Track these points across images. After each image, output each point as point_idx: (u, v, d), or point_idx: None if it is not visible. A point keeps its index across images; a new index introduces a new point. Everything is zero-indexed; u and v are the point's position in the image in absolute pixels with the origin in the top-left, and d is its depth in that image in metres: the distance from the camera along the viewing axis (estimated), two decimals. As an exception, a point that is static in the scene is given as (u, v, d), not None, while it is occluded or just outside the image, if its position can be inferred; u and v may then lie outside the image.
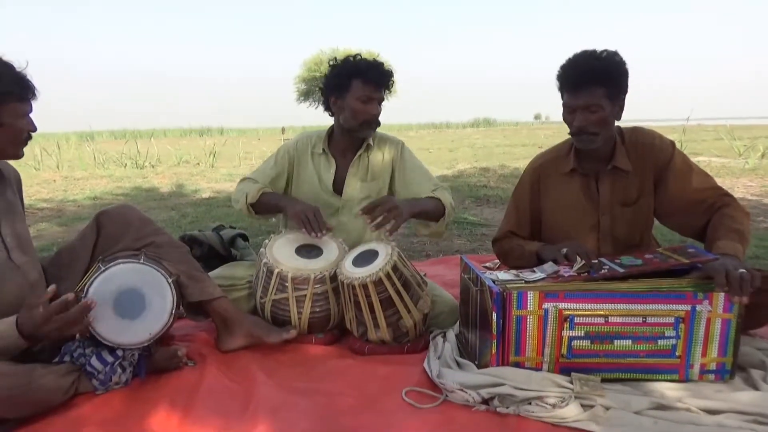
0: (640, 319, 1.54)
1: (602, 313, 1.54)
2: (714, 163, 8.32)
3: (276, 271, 1.92)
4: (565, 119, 1.87)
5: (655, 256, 1.70)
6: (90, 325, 1.56)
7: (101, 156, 11.62)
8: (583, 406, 1.46)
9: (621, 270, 1.63)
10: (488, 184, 6.67)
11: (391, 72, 2.18)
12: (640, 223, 1.95)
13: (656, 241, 2.10)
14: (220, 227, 2.90)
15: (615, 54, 1.79)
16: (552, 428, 1.42)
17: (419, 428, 1.45)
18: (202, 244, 2.64)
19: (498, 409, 1.48)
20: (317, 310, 1.96)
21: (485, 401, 1.52)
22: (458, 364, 1.70)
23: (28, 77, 1.58)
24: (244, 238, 2.87)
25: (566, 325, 1.54)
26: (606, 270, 1.65)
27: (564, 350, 1.56)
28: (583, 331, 1.55)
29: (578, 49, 1.87)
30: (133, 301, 1.65)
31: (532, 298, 1.54)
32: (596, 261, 1.74)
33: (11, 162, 1.74)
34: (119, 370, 1.64)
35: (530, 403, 1.48)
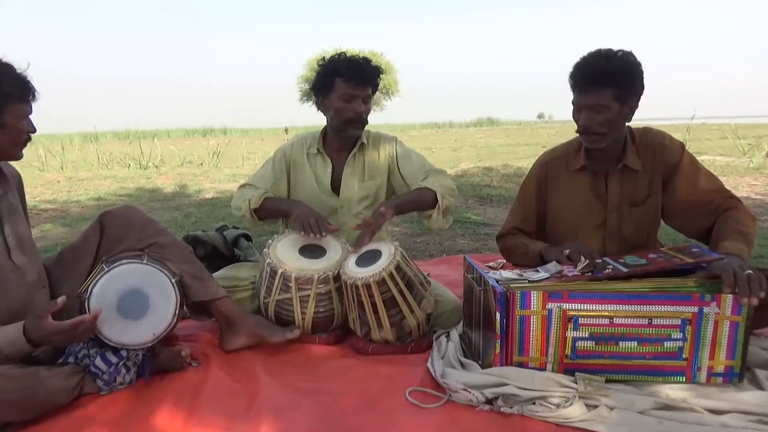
0: (645, 321, 1.53)
1: (607, 314, 1.53)
2: (718, 161, 8.29)
3: (279, 271, 1.92)
4: (573, 117, 1.87)
5: (660, 255, 1.69)
6: (95, 329, 1.57)
7: (105, 157, 11.65)
8: (587, 406, 1.45)
9: (625, 270, 1.62)
10: (491, 183, 6.66)
11: (377, 69, 2.16)
12: (647, 223, 1.95)
13: (660, 243, 2.09)
14: (223, 227, 2.90)
15: (629, 54, 1.77)
16: (556, 428, 1.42)
17: (422, 428, 1.45)
18: (206, 245, 2.64)
19: (502, 409, 1.48)
20: (321, 310, 1.96)
21: (489, 401, 1.52)
22: (462, 364, 1.70)
23: (29, 79, 1.58)
24: (248, 238, 2.87)
25: (570, 325, 1.54)
26: (610, 269, 1.64)
27: (568, 351, 1.56)
28: (587, 332, 1.54)
29: (582, 49, 1.87)
30: (136, 301, 1.66)
31: (535, 298, 1.53)
32: (600, 261, 1.74)
33: (12, 163, 1.74)
34: (123, 371, 1.64)
35: (534, 403, 1.47)
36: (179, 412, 1.53)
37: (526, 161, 8.81)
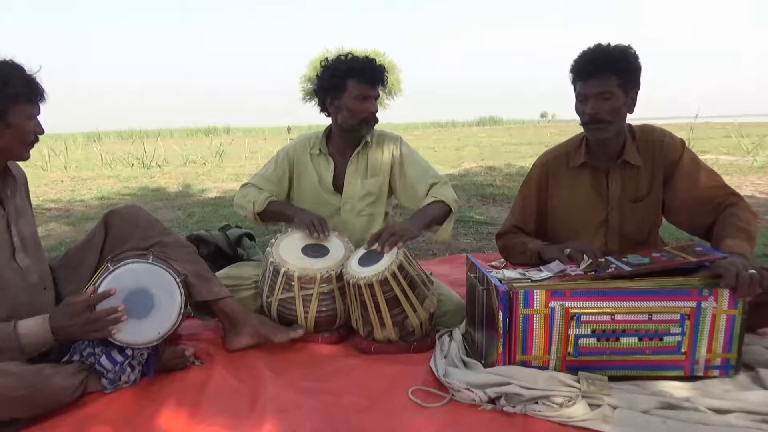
0: (646, 316, 1.53)
1: (608, 310, 1.53)
2: (722, 160, 8.28)
3: (282, 270, 1.93)
4: (577, 110, 1.88)
5: (663, 254, 1.70)
6: (111, 334, 1.58)
7: (108, 156, 11.68)
8: (590, 405, 1.45)
9: (628, 269, 1.62)
10: (494, 182, 6.66)
11: (384, 67, 2.18)
12: (648, 219, 1.95)
13: (662, 240, 2.09)
14: (226, 227, 2.91)
15: (629, 47, 1.83)
16: (559, 428, 1.42)
17: (425, 427, 1.45)
18: (209, 244, 2.65)
19: (505, 409, 1.48)
20: (323, 309, 1.97)
21: (492, 400, 1.52)
22: (465, 363, 1.70)
23: (38, 80, 1.59)
24: (251, 237, 2.88)
25: (573, 323, 1.54)
26: (613, 269, 1.64)
27: (571, 348, 1.56)
28: (589, 329, 1.55)
29: (586, 46, 1.88)
30: (142, 300, 1.66)
31: (538, 296, 1.53)
32: (603, 260, 1.74)
33: (19, 163, 1.75)
34: (128, 370, 1.65)
35: (537, 403, 1.48)
36: (183, 411, 1.54)
37: (528, 160, 8.79)
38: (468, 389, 1.54)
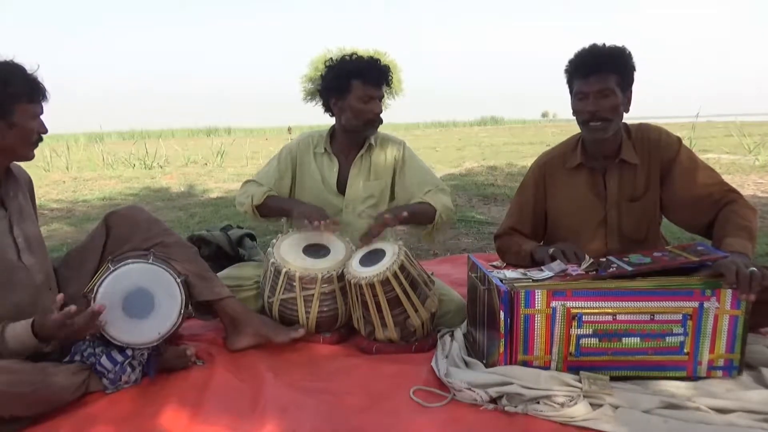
0: (648, 317, 1.53)
1: (610, 311, 1.53)
2: (723, 159, 8.26)
3: (284, 270, 1.93)
4: (575, 109, 1.87)
5: (664, 254, 1.69)
6: (101, 327, 1.58)
7: (110, 157, 11.69)
8: (591, 405, 1.45)
9: (629, 268, 1.62)
10: (496, 182, 6.66)
11: (389, 68, 2.18)
12: (646, 218, 1.95)
13: (665, 238, 2.09)
14: (227, 227, 2.91)
15: (623, 47, 1.84)
16: (560, 427, 1.42)
17: (427, 427, 1.45)
18: (210, 244, 2.65)
19: (506, 408, 1.48)
20: (325, 309, 1.97)
21: (493, 400, 1.52)
22: (466, 363, 1.70)
23: (39, 79, 1.58)
24: (252, 237, 2.88)
25: (574, 323, 1.54)
26: (614, 268, 1.64)
27: (572, 348, 1.56)
28: (591, 329, 1.54)
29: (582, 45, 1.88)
30: (142, 301, 1.66)
31: (539, 296, 1.53)
32: (604, 259, 1.74)
33: (22, 165, 1.75)
34: (129, 370, 1.65)
35: (538, 402, 1.47)
36: (184, 411, 1.54)
37: (530, 160, 8.68)
38: (469, 389, 1.54)
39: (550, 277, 1.66)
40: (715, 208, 1.81)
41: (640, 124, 1.96)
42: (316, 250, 2.04)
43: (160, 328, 1.68)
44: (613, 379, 1.53)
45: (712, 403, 1.45)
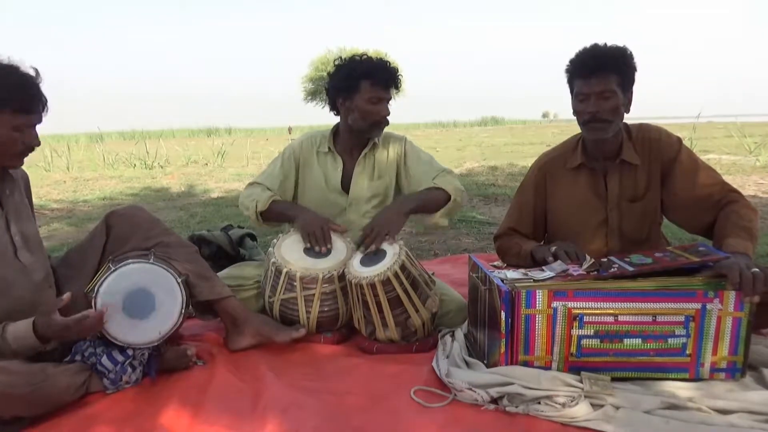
0: (650, 318, 1.53)
1: (612, 311, 1.53)
2: (724, 160, 8.26)
3: (284, 270, 1.93)
4: (575, 109, 1.87)
5: (665, 254, 1.69)
6: (102, 327, 1.58)
7: (111, 157, 11.69)
8: (592, 405, 1.45)
9: (631, 269, 1.61)
10: (496, 182, 6.66)
11: (397, 70, 2.17)
12: (647, 218, 1.95)
13: (665, 239, 2.09)
14: (228, 227, 2.91)
15: (625, 47, 1.83)
16: (561, 428, 1.42)
17: (428, 427, 1.45)
18: (211, 244, 2.65)
19: (507, 409, 1.48)
20: (326, 309, 1.96)
21: (494, 400, 1.52)
22: (467, 363, 1.70)
23: (35, 89, 1.51)
24: (252, 237, 2.88)
25: (575, 323, 1.54)
26: (615, 269, 1.64)
27: (573, 349, 1.56)
28: (592, 330, 1.54)
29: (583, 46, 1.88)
30: (143, 301, 1.66)
31: (541, 296, 1.53)
32: (605, 259, 1.74)
33: None
34: (129, 370, 1.65)
35: (539, 403, 1.47)
36: (185, 411, 1.54)
37: (531, 160, 8.63)
38: (470, 389, 1.54)
39: (552, 278, 1.65)
40: (716, 208, 1.80)
41: (641, 125, 1.96)
42: (317, 250, 2.03)
43: (161, 328, 1.68)
44: (614, 380, 1.53)
45: (714, 404, 1.44)
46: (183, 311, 1.72)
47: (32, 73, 1.54)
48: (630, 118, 1.91)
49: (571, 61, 1.85)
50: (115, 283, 1.64)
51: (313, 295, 1.93)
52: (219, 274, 2.06)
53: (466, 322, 1.95)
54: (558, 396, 1.47)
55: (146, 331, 1.66)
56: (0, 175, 1.64)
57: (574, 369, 1.56)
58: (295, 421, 1.47)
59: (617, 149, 1.91)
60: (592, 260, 1.73)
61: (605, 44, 1.83)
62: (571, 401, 1.45)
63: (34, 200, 1.83)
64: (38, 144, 1.57)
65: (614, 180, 1.93)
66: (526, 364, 1.57)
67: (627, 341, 1.54)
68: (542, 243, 2.08)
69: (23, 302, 1.59)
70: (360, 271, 1.86)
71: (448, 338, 1.90)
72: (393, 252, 1.89)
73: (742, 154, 9.08)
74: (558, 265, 1.72)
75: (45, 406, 1.50)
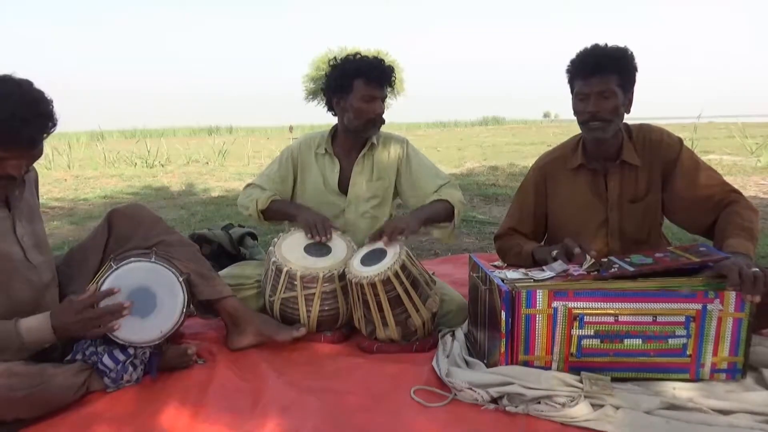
0: (650, 318, 1.53)
1: (612, 312, 1.53)
2: (725, 161, 8.25)
3: (285, 269, 1.93)
4: (575, 109, 1.87)
5: (666, 254, 1.69)
6: (110, 327, 1.58)
7: (112, 155, 11.69)
8: (592, 405, 1.45)
9: (631, 269, 1.62)
10: (497, 182, 6.65)
11: (392, 69, 2.18)
12: (648, 219, 1.95)
13: (666, 239, 2.09)
14: (229, 226, 2.92)
15: (626, 48, 1.83)
16: (561, 428, 1.42)
17: (428, 427, 1.45)
18: (212, 243, 2.65)
19: (507, 408, 1.48)
20: (326, 308, 1.97)
21: (494, 400, 1.52)
22: (467, 363, 1.70)
23: (21, 124, 1.38)
24: (253, 236, 2.88)
25: (576, 324, 1.54)
26: (616, 269, 1.64)
27: (573, 349, 1.56)
28: (592, 330, 1.54)
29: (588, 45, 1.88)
30: (144, 299, 1.66)
31: (541, 296, 1.53)
32: (606, 260, 1.74)
33: None
34: (130, 368, 1.65)
35: (539, 403, 1.47)
36: (186, 410, 1.54)
37: (531, 160, 8.62)
38: (470, 389, 1.54)
39: (552, 278, 1.66)
40: (717, 209, 1.80)
41: (642, 125, 1.96)
42: (317, 249, 2.04)
43: (163, 327, 1.68)
44: (614, 380, 1.53)
45: (714, 404, 1.45)
46: (184, 310, 1.72)
47: (32, 100, 1.43)
48: (630, 118, 1.92)
49: (572, 61, 1.85)
50: (117, 282, 1.64)
51: (314, 294, 1.93)
52: (220, 273, 2.06)
53: (467, 321, 1.95)
54: (558, 396, 1.47)
55: (148, 330, 1.66)
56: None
57: (575, 369, 1.56)
58: (296, 420, 1.47)
59: (618, 150, 1.91)
60: (593, 260, 1.73)
61: (606, 44, 1.84)
62: (571, 401, 1.45)
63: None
64: (15, 175, 1.47)
65: (615, 180, 1.93)
66: (526, 364, 1.57)
67: (627, 341, 1.54)
68: (542, 243, 2.08)
69: (29, 302, 1.59)
70: (360, 271, 1.86)
71: (448, 338, 1.90)
72: (393, 251, 1.89)
73: (743, 154, 9.07)
74: (558, 265, 1.72)
75: (46, 407, 1.50)
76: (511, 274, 1.70)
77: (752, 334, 1.56)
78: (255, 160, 11.15)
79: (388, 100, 2.22)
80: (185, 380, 1.71)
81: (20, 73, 1.48)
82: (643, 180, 1.91)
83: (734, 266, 1.49)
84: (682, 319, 1.52)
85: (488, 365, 1.64)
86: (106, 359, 1.62)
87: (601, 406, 1.45)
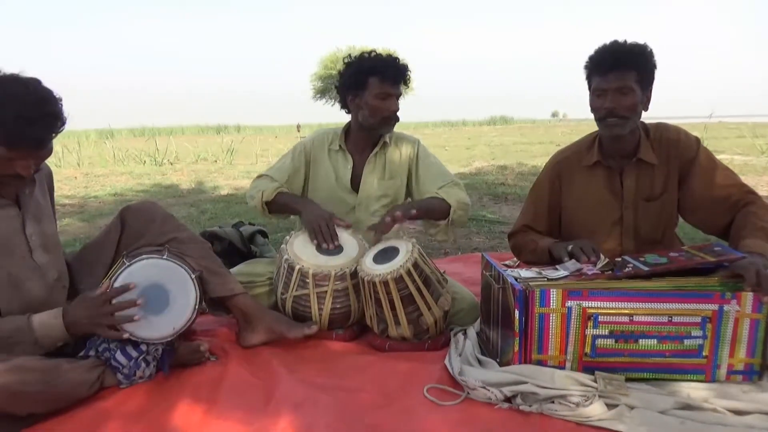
0: (665, 318, 1.51)
1: (627, 311, 1.52)
2: (736, 160, 8.20)
3: (297, 267, 1.93)
4: (593, 105, 1.86)
5: (681, 254, 1.68)
6: (120, 325, 1.58)
7: (121, 153, 11.76)
8: (607, 405, 1.44)
9: (645, 268, 1.60)
10: (506, 181, 6.64)
11: (407, 66, 2.17)
12: (663, 219, 1.93)
13: (679, 240, 2.07)
14: (239, 223, 2.92)
15: (645, 44, 1.82)
16: (575, 427, 1.41)
17: (441, 425, 1.44)
18: (222, 241, 2.65)
19: (521, 407, 1.47)
20: (338, 306, 1.96)
21: (508, 399, 1.51)
22: (480, 362, 1.69)
23: (28, 127, 1.39)
24: (264, 234, 2.88)
25: (590, 323, 1.53)
26: (630, 268, 1.63)
27: (587, 349, 1.55)
28: (607, 330, 1.53)
29: (600, 43, 1.87)
30: (157, 296, 1.66)
31: (555, 295, 1.52)
32: (620, 259, 1.72)
33: None
34: (143, 365, 1.66)
35: (553, 402, 1.47)
36: (198, 406, 1.54)
37: (540, 159, 8.75)
38: (484, 387, 1.53)
39: (565, 277, 1.65)
40: (734, 209, 1.79)
41: (659, 124, 1.94)
42: (324, 247, 2.03)
43: (175, 324, 1.68)
44: (629, 380, 1.52)
45: (729, 405, 1.43)
46: (196, 307, 1.72)
47: (39, 100, 1.42)
48: (643, 117, 1.90)
49: (590, 58, 1.84)
50: (130, 279, 1.65)
51: (326, 292, 1.93)
52: (231, 270, 2.06)
53: (478, 320, 1.94)
54: (572, 395, 1.46)
55: (160, 327, 1.66)
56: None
57: (589, 369, 1.55)
58: (309, 417, 1.47)
59: (634, 148, 1.89)
60: (607, 260, 1.72)
61: (625, 41, 1.82)
62: (585, 401, 1.44)
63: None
64: (24, 175, 1.48)
65: (631, 179, 1.92)
66: (539, 363, 1.56)
67: (642, 342, 1.53)
68: (557, 240, 2.07)
69: (36, 301, 1.59)
70: (373, 269, 1.86)
71: (460, 336, 1.89)
72: (406, 249, 1.89)
73: (753, 154, 9.01)
74: (572, 264, 1.71)
75: (59, 402, 1.51)
76: (525, 272, 1.69)
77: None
78: (263, 159, 11.19)
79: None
80: (197, 377, 1.71)
81: (29, 73, 1.47)
82: (660, 179, 1.89)
83: (751, 266, 1.48)
84: (698, 319, 1.51)
85: (501, 364, 1.63)
86: (119, 355, 1.62)
87: (616, 405, 1.44)
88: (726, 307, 1.50)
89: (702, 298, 1.50)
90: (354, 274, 1.94)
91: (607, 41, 1.85)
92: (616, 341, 1.53)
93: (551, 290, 1.52)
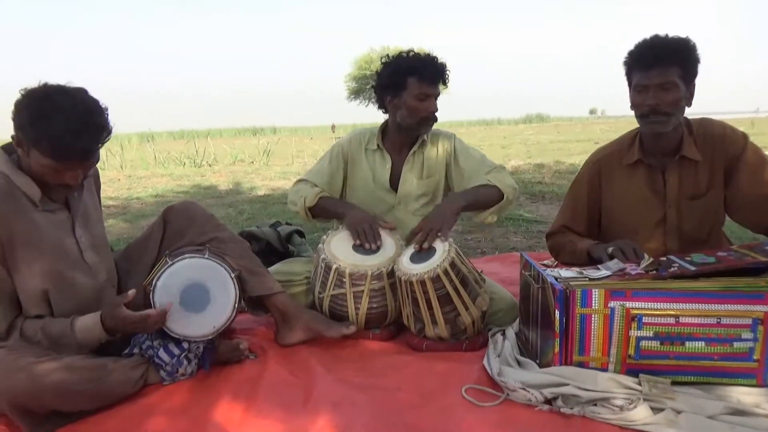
0: (714, 320, 1.46)
1: (673, 312, 1.47)
2: (786, 157, 7.87)
3: (334, 266, 1.94)
4: (634, 102, 1.81)
5: (729, 253, 1.62)
6: (164, 321, 1.63)
7: (161, 155, 12.06)
8: (652, 409, 1.40)
9: (692, 268, 1.55)
10: (543, 180, 6.53)
11: (445, 65, 2.14)
12: (709, 217, 1.87)
13: (727, 239, 2.00)
14: (277, 223, 2.96)
15: (687, 38, 1.76)
16: (619, 431, 1.37)
17: (479, 426, 1.43)
18: (260, 240, 2.69)
19: (562, 410, 1.45)
20: (374, 305, 1.96)
21: (548, 401, 1.49)
22: (519, 363, 1.67)
23: (73, 139, 1.40)
24: (301, 234, 2.91)
25: (634, 324, 1.48)
26: (676, 268, 1.58)
27: (631, 351, 1.50)
28: (652, 332, 1.48)
29: (634, 42, 1.81)
30: (198, 295, 1.70)
31: (597, 295, 1.48)
32: (665, 258, 1.67)
33: None
34: (185, 362, 1.69)
35: (596, 405, 1.43)
36: (238, 404, 1.57)
37: (578, 158, 8.59)
38: (524, 389, 1.51)
39: (608, 276, 1.60)
40: None
41: (703, 119, 1.88)
42: (366, 247, 2.04)
43: (216, 322, 1.71)
44: (673, 383, 1.47)
45: (782, 411, 1.38)
46: (236, 306, 1.75)
47: (85, 111, 1.43)
48: (686, 113, 1.84)
49: (630, 53, 1.79)
50: (172, 278, 1.68)
51: (362, 291, 1.93)
52: (269, 269, 2.09)
53: (517, 321, 1.91)
54: (615, 398, 1.42)
55: (201, 325, 1.70)
56: None
57: (632, 372, 1.50)
58: (347, 417, 1.47)
59: (677, 144, 1.83)
60: (651, 259, 1.67)
61: (666, 35, 1.76)
62: (630, 404, 1.41)
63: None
64: (71, 185, 1.52)
65: (674, 177, 1.86)
66: (581, 364, 1.53)
67: (689, 344, 1.48)
68: (597, 242, 2.02)
69: (88, 301, 1.64)
70: (410, 268, 1.85)
71: (499, 337, 1.87)
72: (443, 249, 1.88)
73: (805, 150, 8.63)
74: (614, 264, 1.67)
75: (106, 399, 1.55)
76: (565, 272, 1.65)
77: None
78: (298, 160, 11.31)
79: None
80: (237, 375, 1.74)
81: (75, 81, 1.50)
82: (704, 176, 1.83)
83: (806, 266, 1.42)
84: (749, 321, 1.45)
85: (541, 365, 1.61)
86: (161, 353, 1.66)
87: (661, 410, 1.39)
88: (778, 309, 1.44)
89: (753, 299, 1.44)
90: (391, 274, 1.94)
91: (648, 36, 1.79)
92: (661, 343, 1.49)
93: (593, 290, 1.49)
